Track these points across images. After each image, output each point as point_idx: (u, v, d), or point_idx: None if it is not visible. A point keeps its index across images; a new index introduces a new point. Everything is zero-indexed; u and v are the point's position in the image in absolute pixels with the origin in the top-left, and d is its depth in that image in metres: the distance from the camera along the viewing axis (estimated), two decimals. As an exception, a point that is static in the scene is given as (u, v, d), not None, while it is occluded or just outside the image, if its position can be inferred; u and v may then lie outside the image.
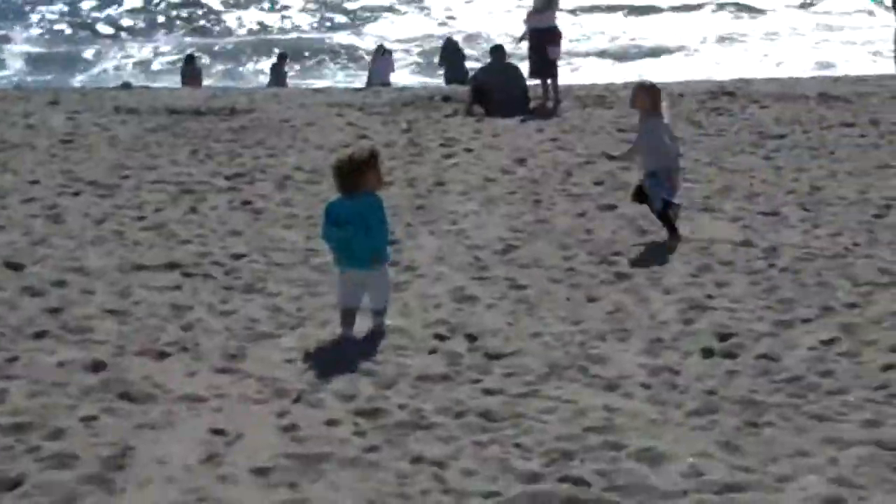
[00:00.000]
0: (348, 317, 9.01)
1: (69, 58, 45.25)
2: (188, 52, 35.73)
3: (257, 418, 7.25)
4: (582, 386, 7.93)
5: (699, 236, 11.85)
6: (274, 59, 34.92)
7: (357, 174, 8.89)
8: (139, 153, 16.35)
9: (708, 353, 8.57)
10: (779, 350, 8.58)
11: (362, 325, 9.00)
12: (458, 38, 36.21)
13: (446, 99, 21.78)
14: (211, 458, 6.62)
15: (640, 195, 11.99)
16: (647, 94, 11.98)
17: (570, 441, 6.92)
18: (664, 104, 11.99)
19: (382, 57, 32.91)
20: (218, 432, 6.98)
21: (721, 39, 46.80)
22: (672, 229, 11.74)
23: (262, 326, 9.14)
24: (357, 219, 8.85)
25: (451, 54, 30.39)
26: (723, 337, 8.88)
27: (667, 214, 11.74)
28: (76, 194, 13.71)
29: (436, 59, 34.27)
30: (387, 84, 29.05)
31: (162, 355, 8.38)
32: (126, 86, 26.54)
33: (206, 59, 42.35)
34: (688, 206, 12.79)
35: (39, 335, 8.75)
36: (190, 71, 31.91)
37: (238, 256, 11.17)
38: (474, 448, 6.85)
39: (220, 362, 8.28)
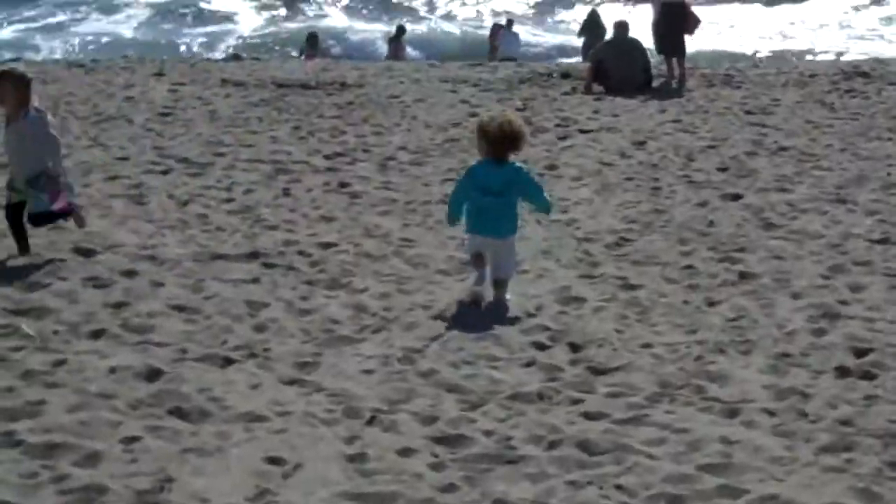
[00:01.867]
0: (479, 260, 8.76)
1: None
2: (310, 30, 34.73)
3: (322, 444, 6.31)
4: (697, 411, 6.90)
5: (832, 231, 10.77)
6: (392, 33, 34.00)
7: (517, 142, 8.76)
8: (238, 129, 15.59)
9: (843, 372, 7.49)
10: (925, 370, 7.50)
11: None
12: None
13: (565, 76, 20.81)
14: (260, 496, 5.70)
15: (16, 215, 9.58)
16: (12, 88, 9.38)
17: (682, 483, 5.91)
18: (34, 96, 9.56)
19: (510, 31, 31.99)
20: (274, 461, 6.06)
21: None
22: (23, 242, 9.62)
23: (343, 329, 8.21)
24: (508, 188, 8.67)
25: (593, 26, 29.14)
26: (859, 353, 7.79)
27: (40, 223, 9.64)
28: (165, 172, 12.94)
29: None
30: (514, 59, 28.08)
31: (227, 361, 7.51)
32: (235, 57, 25.82)
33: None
34: (818, 198, 11.77)
35: (96, 334, 7.92)
36: (310, 51, 31.07)
37: (327, 245, 10.28)
38: (567, 489, 5.86)
39: (289, 372, 7.37)
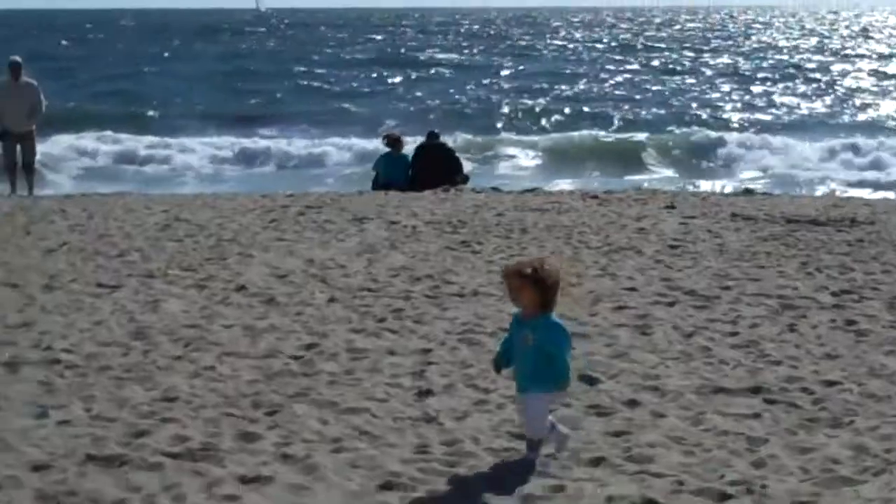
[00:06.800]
0: None
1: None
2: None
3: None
4: None
5: None
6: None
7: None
8: (746, 263, 15.59)
9: None
10: None
11: None
12: None
13: None
14: None
15: None
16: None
17: None
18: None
19: None
20: None
21: None
22: None
23: (843, 469, 8.04)
24: None
25: None
26: None
27: None
28: (671, 304, 13.10)
29: None
30: None
31: (723, 496, 7.51)
32: (746, 191, 25.94)
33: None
34: None
35: (596, 462, 8.11)
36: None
37: (830, 383, 10.09)
38: None
39: (785, 512, 7.30)
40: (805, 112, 58.43)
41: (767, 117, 54.87)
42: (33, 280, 14.44)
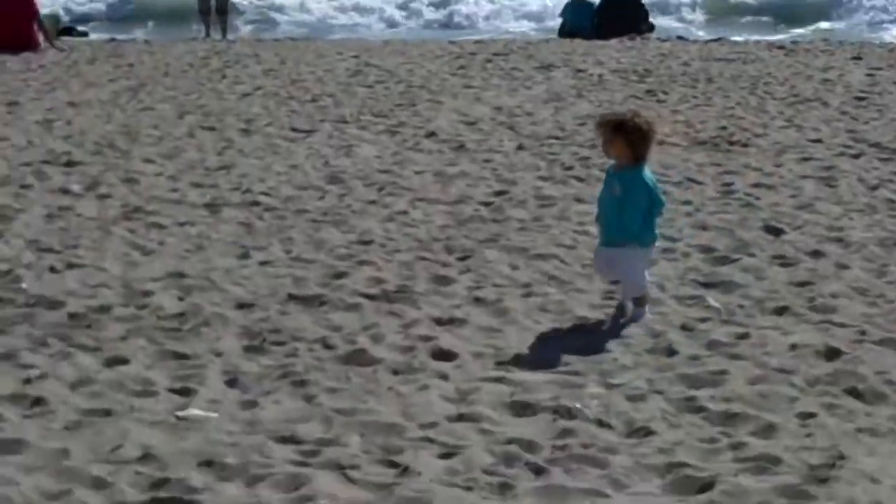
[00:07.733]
0: None
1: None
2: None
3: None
4: None
5: None
6: None
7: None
8: None
9: None
10: None
11: None
12: None
13: None
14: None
15: None
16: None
17: None
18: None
19: None
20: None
21: None
22: None
23: None
24: None
25: None
26: None
27: None
28: (856, 156, 13.11)
29: None
30: None
31: (909, 346, 7.65)
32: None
33: None
34: None
35: (779, 311, 8.26)
36: None
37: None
38: None
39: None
40: None
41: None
42: (230, 123, 14.97)
